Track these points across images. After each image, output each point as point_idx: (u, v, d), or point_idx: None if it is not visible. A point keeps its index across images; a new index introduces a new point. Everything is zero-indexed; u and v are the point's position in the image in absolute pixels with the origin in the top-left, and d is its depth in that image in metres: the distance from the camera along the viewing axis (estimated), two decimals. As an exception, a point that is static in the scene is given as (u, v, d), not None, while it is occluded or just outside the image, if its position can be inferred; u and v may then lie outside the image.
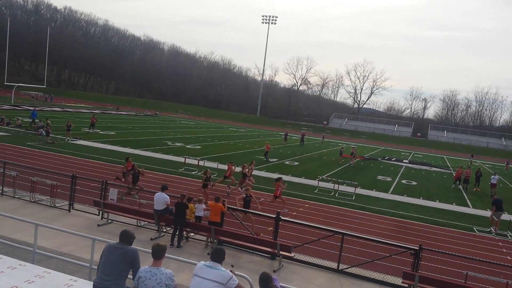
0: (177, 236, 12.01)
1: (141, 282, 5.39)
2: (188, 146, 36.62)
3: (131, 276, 5.73)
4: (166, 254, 5.67)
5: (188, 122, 71.49)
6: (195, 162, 26.16)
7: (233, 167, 20.80)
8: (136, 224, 13.41)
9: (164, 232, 13.04)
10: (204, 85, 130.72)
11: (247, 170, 20.39)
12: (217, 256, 5.57)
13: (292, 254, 11.18)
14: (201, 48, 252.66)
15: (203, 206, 12.87)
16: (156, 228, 13.00)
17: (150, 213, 12.71)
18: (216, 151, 35.61)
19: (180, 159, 27.30)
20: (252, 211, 13.60)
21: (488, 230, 18.44)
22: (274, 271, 10.89)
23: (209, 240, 12.44)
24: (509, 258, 14.89)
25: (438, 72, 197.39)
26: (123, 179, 17.75)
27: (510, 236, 17.82)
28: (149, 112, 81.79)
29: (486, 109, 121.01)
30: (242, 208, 13.82)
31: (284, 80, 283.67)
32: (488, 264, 12.80)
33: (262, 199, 18.79)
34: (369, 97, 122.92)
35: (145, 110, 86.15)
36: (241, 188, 19.25)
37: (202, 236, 12.59)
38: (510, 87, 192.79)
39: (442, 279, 10.28)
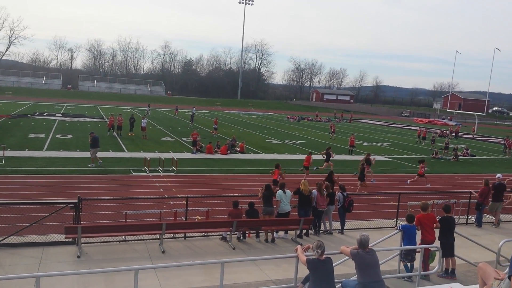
0: None
1: None
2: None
3: None
4: None
5: None
6: None
7: None
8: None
9: None
10: None
11: None
12: None
13: None
14: None
15: None
16: None
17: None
18: None
19: None
20: None
21: (143, 169, 20.28)
22: None
23: None
24: (162, 190, 16.93)
25: (81, 22, 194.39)
26: None
27: (161, 171, 20.19)
28: None
29: (130, 58, 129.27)
30: None
31: None
32: (144, 199, 14.18)
33: None
34: (8, 48, 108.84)
35: None
36: None
37: None
38: (147, 36, 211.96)
39: (104, 224, 10.64)
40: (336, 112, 75.22)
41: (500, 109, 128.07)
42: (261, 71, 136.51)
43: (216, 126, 37.86)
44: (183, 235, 11.48)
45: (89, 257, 9.91)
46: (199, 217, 12.79)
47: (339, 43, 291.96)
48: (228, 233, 11.33)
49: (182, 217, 12.31)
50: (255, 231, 11.99)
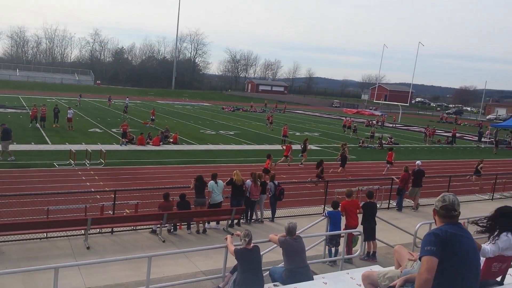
0: None
1: None
2: None
3: None
4: None
5: None
6: None
7: None
8: None
9: None
10: None
11: None
12: None
13: None
14: None
15: None
16: None
17: None
18: None
19: None
20: None
21: (68, 162, 19.28)
22: None
23: None
24: (88, 184, 16.22)
25: (3, 8, 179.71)
26: None
27: (87, 164, 19.32)
28: None
29: (57, 46, 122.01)
30: None
31: None
32: (68, 194, 13.51)
33: None
34: None
35: None
36: None
37: None
38: (75, 23, 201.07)
39: (21, 221, 10.00)
40: (266, 102, 76.11)
41: (423, 99, 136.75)
42: (197, 61, 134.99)
43: (153, 117, 37.17)
44: (110, 230, 11.11)
45: (6, 256, 9.29)
46: (127, 211, 12.43)
47: (274, 35, 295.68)
48: (158, 226, 11.13)
49: (110, 211, 11.89)
50: (186, 223, 11.88)
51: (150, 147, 25.34)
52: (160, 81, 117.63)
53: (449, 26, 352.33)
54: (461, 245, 3.37)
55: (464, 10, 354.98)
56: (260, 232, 11.35)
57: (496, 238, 4.63)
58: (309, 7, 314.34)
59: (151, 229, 11.43)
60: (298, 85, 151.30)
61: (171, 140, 27.48)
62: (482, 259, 4.49)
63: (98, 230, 10.89)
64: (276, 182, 13.34)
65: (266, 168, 17.73)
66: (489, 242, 4.69)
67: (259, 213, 13.17)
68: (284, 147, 23.75)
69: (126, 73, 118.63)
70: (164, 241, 10.85)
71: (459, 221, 3.61)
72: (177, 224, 11.82)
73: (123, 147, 24.67)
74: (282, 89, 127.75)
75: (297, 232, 6.90)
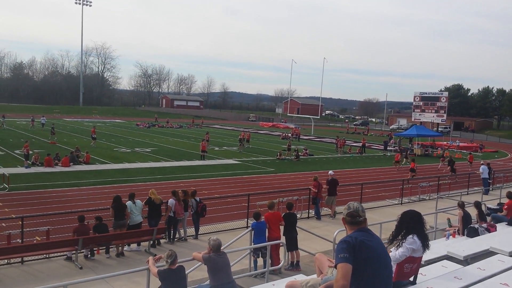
0: None
1: None
2: None
3: None
4: None
5: None
6: None
7: None
8: None
9: None
10: None
11: None
12: None
13: None
14: None
15: None
16: None
17: None
18: None
19: None
20: None
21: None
22: None
23: None
24: (7, 210, 14.78)
25: None
26: None
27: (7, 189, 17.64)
28: None
29: None
30: None
31: None
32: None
33: None
34: None
35: None
36: None
37: None
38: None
39: None
40: (157, 116, 74.59)
41: (332, 112, 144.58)
42: (105, 76, 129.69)
43: (94, 135, 36.05)
44: (20, 260, 10.20)
45: None
46: (38, 238, 11.52)
47: (185, 49, 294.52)
48: (74, 252, 10.45)
49: (18, 240, 10.93)
50: (104, 247, 11.29)
51: (59, 169, 23.75)
52: (66, 97, 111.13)
53: (351, 43, 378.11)
54: (371, 250, 3.58)
55: (361, 27, 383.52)
56: (184, 251, 11.14)
57: (403, 241, 4.90)
58: (217, 22, 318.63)
59: (66, 256, 10.69)
60: (214, 99, 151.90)
61: (83, 160, 26.03)
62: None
63: (6, 261, 9.94)
64: (197, 198, 13.22)
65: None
66: (394, 246, 4.94)
67: (182, 231, 12.94)
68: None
69: (27, 90, 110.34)
70: (81, 268, 10.19)
71: (373, 225, 3.86)
72: (95, 248, 11.19)
73: (29, 170, 22.85)
74: (198, 104, 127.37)
75: (221, 248, 6.89)
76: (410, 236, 4.88)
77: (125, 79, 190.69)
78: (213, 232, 13.29)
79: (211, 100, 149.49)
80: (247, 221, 13.77)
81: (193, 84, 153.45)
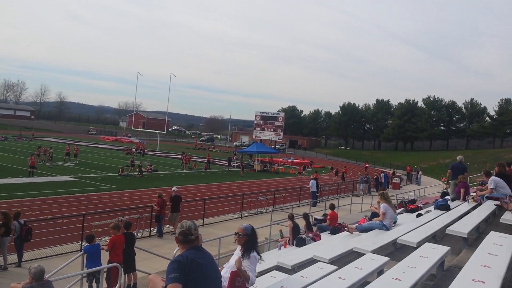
0: None
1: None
2: None
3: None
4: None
5: None
6: None
7: None
8: None
9: None
10: None
11: None
12: None
13: None
14: None
15: None
16: None
17: None
18: None
19: None
20: None
21: None
22: None
23: None
24: None
25: None
26: None
27: None
28: None
29: None
30: None
31: None
32: None
33: None
34: None
35: None
36: None
37: None
38: None
39: None
40: (21, 131, 66.94)
41: (179, 127, 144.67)
42: None
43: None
44: None
45: None
46: None
47: (14, 52, 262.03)
48: None
49: None
50: None
51: None
52: None
53: (199, 60, 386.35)
54: (201, 268, 3.65)
55: (209, 46, 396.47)
56: (5, 281, 9.76)
57: (247, 257, 5.07)
58: (55, 26, 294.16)
59: None
60: (48, 109, 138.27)
61: None
62: (227, 276, 4.96)
63: None
64: (21, 220, 11.75)
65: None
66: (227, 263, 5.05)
67: (1, 258, 11.31)
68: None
69: None
70: None
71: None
72: None
73: None
74: (28, 113, 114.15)
75: (46, 276, 6.24)
76: (253, 252, 5.05)
77: None
78: (40, 258, 11.97)
79: (44, 110, 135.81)
80: (81, 244, 12.76)
81: (23, 92, 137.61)
